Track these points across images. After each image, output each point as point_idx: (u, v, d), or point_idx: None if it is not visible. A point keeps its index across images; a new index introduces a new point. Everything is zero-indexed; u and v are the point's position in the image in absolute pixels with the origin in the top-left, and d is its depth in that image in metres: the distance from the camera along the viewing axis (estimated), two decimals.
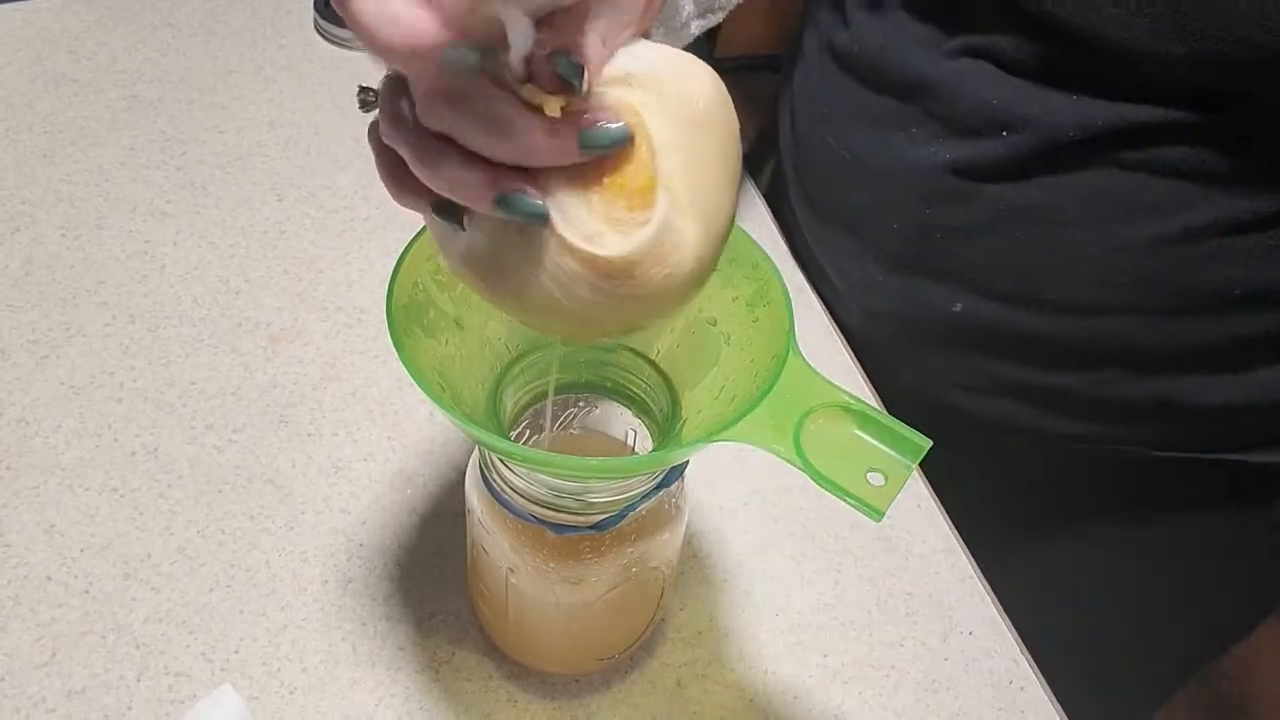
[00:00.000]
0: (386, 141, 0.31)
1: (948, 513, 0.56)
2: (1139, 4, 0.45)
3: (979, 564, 0.54)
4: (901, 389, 0.62)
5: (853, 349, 0.64)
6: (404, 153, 0.30)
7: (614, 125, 0.29)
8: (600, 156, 0.29)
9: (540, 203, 0.29)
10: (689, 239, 0.31)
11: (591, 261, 0.30)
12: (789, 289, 0.39)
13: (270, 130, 0.73)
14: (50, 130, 0.71)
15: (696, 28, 0.53)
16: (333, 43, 0.80)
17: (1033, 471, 0.66)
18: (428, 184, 0.30)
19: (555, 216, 0.29)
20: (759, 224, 0.70)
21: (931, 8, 0.53)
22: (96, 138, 0.71)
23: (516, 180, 0.29)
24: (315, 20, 0.82)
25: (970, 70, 0.52)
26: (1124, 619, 0.68)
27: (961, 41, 0.52)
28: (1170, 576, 0.66)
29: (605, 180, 0.29)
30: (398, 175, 0.31)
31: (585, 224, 0.29)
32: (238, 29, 0.81)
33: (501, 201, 0.29)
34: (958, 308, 0.57)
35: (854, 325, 0.65)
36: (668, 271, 0.30)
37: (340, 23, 0.80)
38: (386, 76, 0.31)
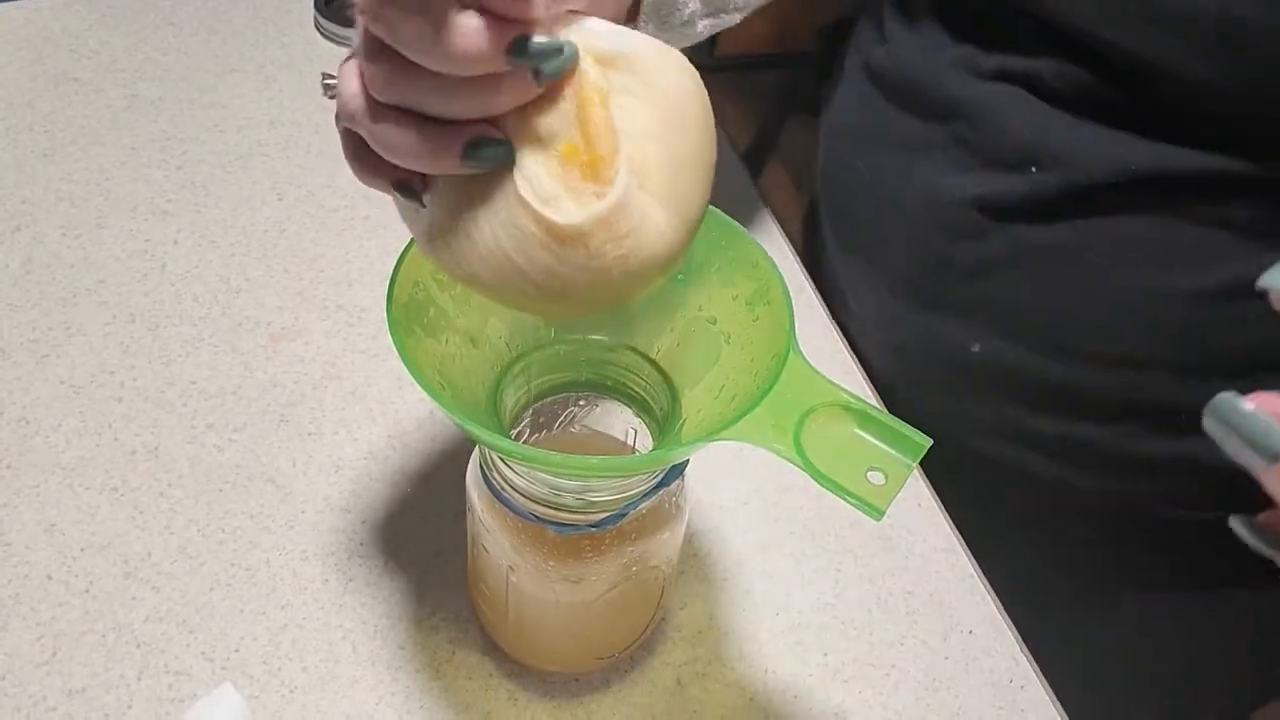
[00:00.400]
0: (346, 125, 0.31)
1: (976, 559, 0.55)
2: (1184, 26, 0.42)
3: (1014, 623, 0.52)
4: (919, 429, 0.60)
5: (873, 384, 0.62)
6: (364, 131, 0.30)
7: (552, 40, 0.28)
8: (553, 79, 0.29)
9: (506, 140, 0.29)
10: (654, 222, 0.31)
11: (547, 225, 0.30)
12: (789, 288, 0.39)
13: (271, 129, 0.73)
14: (51, 129, 0.71)
15: (705, 28, 0.52)
16: (334, 41, 0.80)
17: (1052, 521, 0.63)
18: (392, 158, 0.30)
19: (517, 176, 0.30)
20: (771, 239, 0.70)
21: (969, 24, 0.52)
22: (97, 137, 0.71)
23: (479, 126, 0.29)
24: (316, 19, 0.81)
25: (1004, 95, 0.50)
26: (1121, 620, 0.68)
27: (999, 62, 0.50)
28: (1188, 635, 0.64)
29: (564, 146, 0.30)
30: (361, 155, 0.31)
31: (544, 186, 0.30)
32: (239, 28, 0.81)
33: (468, 150, 0.29)
34: (976, 348, 0.55)
35: (874, 360, 0.63)
36: (623, 252, 0.31)
37: (341, 21, 0.80)
38: (344, 60, 0.31)
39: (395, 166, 0.31)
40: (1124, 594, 0.64)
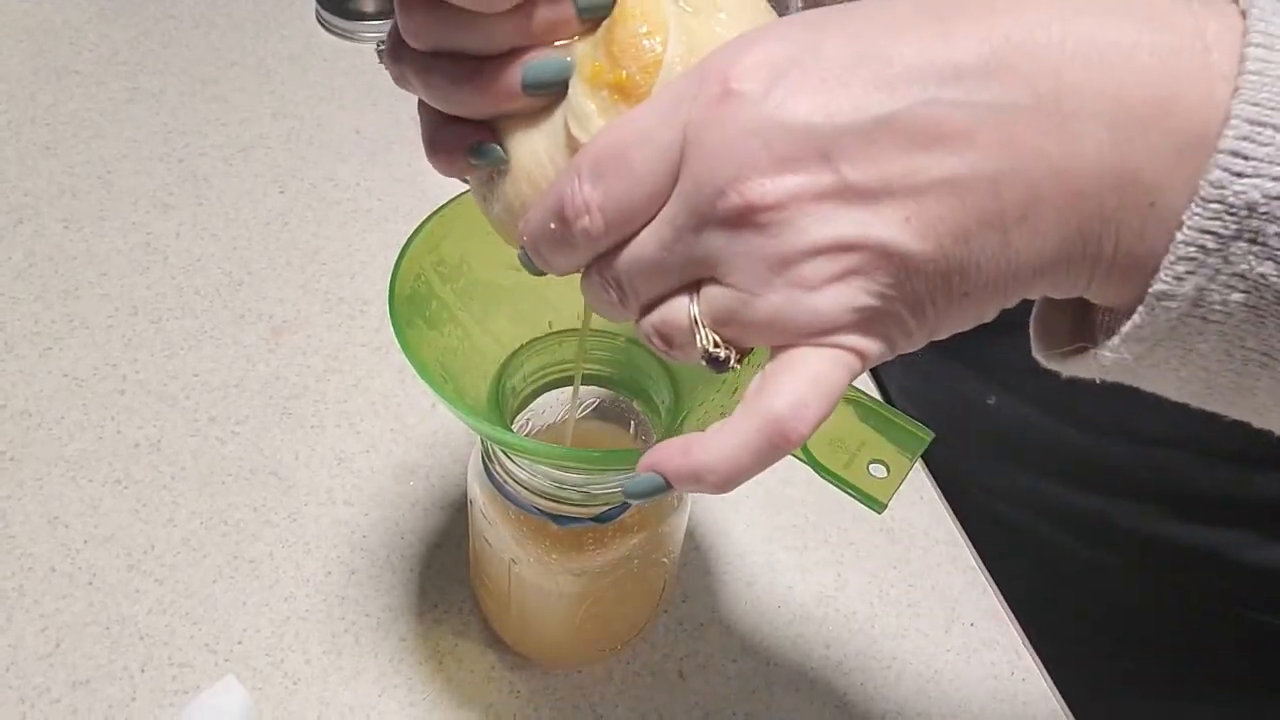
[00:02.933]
0: (399, 85, 0.30)
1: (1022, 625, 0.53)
2: None
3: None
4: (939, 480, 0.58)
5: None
6: (416, 87, 0.30)
7: None
8: (599, 16, 0.28)
9: (565, 58, 0.28)
10: None
11: (572, 144, 0.29)
12: None
13: (272, 122, 0.73)
14: (53, 122, 0.71)
15: None
16: (335, 34, 0.80)
17: (1066, 586, 0.60)
18: (454, 108, 0.29)
19: (565, 105, 0.29)
20: None
21: None
22: (99, 130, 0.71)
23: (531, 50, 0.28)
24: (317, 12, 0.81)
25: None
26: (1126, 609, 0.68)
27: None
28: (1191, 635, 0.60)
29: (590, 66, 0.29)
30: (433, 140, 0.31)
31: (578, 105, 0.29)
32: (240, 21, 0.81)
33: (527, 74, 0.28)
34: (991, 400, 0.54)
35: (898, 406, 0.62)
36: None
37: (342, 14, 0.80)
38: (391, 27, 0.30)
39: (465, 131, 0.30)
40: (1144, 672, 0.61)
